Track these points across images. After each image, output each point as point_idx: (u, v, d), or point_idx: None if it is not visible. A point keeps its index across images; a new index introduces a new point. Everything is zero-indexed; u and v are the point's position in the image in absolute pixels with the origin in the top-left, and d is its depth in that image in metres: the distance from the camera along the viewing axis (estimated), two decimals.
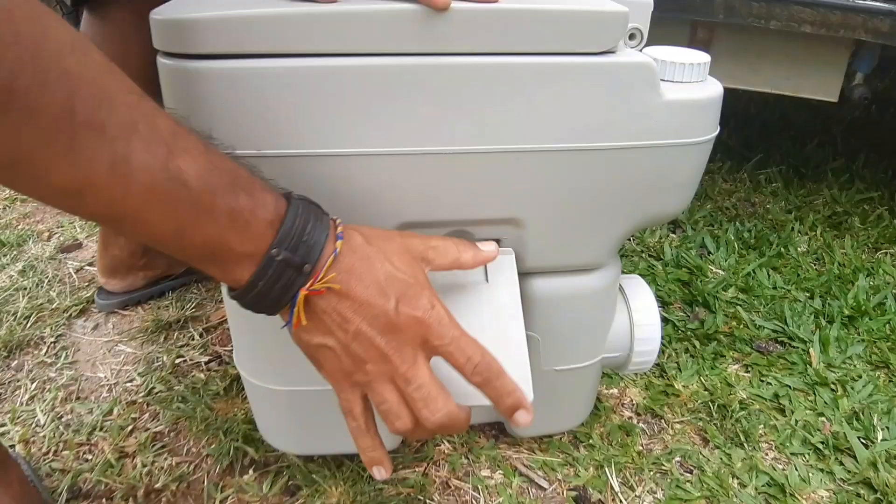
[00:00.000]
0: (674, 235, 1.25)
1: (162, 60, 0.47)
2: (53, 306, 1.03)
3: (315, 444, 0.70)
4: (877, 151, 1.61)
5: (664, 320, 0.99)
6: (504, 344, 0.48)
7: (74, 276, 1.13)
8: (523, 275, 0.60)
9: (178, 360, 0.92)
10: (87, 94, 0.30)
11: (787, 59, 1.14)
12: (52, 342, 0.95)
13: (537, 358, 0.65)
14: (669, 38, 0.74)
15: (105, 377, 0.90)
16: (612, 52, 0.49)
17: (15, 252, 1.19)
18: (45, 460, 0.75)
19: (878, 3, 0.96)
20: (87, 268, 1.15)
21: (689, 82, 0.53)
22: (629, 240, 1.23)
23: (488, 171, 0.51)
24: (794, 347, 0.94)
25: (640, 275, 1.08)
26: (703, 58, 0.54)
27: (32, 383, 0.88)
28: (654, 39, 0.56)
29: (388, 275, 0.41)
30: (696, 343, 0.94)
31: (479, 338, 0.44)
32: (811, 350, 0.92)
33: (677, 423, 0.81)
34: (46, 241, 1.23)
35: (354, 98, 0.47)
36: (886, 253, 1.20)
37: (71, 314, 1.01)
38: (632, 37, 0.65)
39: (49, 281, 1.10)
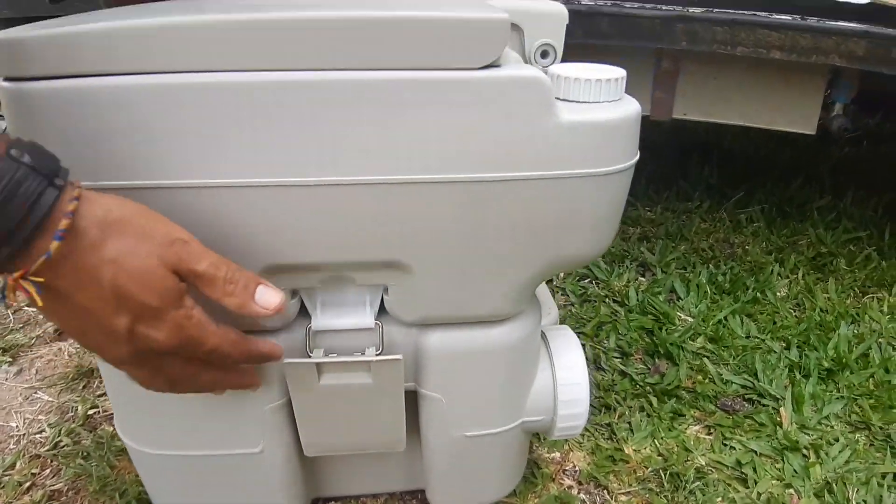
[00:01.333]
0: (643, 279, 1.17)
1: (2, 84, 0.43)
2: None
3: None
4: (867, 187, 1.53)
5: (622, 374, 0.91)
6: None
7: (11, 316, 1.08)
8: (421, 326, 0.53)
9: (91, 411, 0.87)
10: None
11: (759, 89, 1.08)
12: None
13: (444, 422, 0.56)
14: (632, 70, 0.68)
15: (17, 427, 0.85)
16: (496, 67, 0.43)
17: None
18: None
19: (851, 25, 0.89)
20: (25, 308, 1.10)
21: (597, 102, 0.46)
22: (591, 283, 1.15)
23: (359, 206, 0.45)
24: (763, 406, 0.85)
25: (602, 322, 1.01)
26: (615, 73, 0.46)
27: None
28: None
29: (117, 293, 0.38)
30: (654, 400, 0.85)
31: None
32: (782, 409, 0.83)
33: (623, 494, 0.72)
34: None
35: (196, 121, 0.42)
36: (874, 297, 1.11)
37: None
38: (544, 54, 0.59)
39: None
